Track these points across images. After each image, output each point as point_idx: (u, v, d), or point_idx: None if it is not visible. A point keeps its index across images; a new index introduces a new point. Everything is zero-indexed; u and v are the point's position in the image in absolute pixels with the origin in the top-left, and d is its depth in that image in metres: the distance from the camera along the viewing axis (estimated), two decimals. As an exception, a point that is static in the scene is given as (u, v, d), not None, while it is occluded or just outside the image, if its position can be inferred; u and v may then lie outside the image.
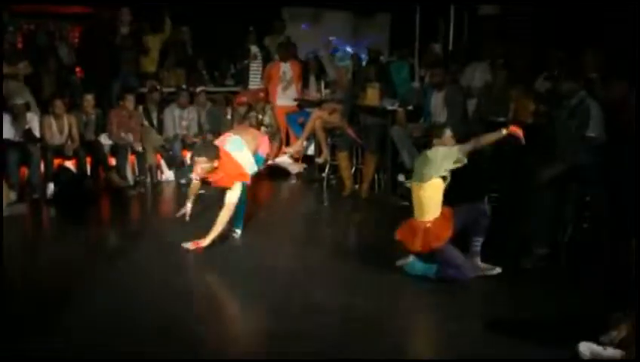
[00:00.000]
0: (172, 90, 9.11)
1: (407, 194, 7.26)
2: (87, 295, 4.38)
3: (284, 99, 9.49)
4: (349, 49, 10.89)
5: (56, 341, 3.72)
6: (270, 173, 9.07)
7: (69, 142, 7.51)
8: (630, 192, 4.91)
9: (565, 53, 6.93)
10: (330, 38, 11.11)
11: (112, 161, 7.87)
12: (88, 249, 5.60)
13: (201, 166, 5.12)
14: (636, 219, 4.52)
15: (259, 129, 8.25)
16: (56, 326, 3.89)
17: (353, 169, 7.88)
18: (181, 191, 8.10)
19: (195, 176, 5.35)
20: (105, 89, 8.71)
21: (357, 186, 7.69)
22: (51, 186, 7.20)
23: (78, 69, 9.42)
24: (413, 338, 3.82)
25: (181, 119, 8.64)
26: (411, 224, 4.79)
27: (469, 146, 4.79)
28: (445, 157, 4.72)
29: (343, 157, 7.78)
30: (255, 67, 9.87)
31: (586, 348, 3.44)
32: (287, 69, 9.46)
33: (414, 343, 3.77)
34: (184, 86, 8.99)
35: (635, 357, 3.25)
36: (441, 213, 4.72)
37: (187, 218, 5.48)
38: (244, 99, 9.31)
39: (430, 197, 4.71)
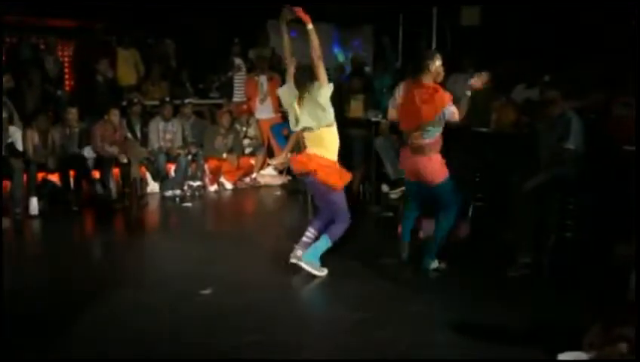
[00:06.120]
0: (156, 102, 9.08)
1: (391, 204, 7.35)
2: (70, 309, 4.35)
3: (263, 111, 9.50)
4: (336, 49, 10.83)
5: (36, 354, 3.70)
6: (254, 185, 9.08)
7: (52, 156, 7.47)
8: (615, 201, 4.94)
9: (548, 63, 7.00)
10: None
11: (96, 174, 7.84)
12: (72, 263, 5.56)
13: None
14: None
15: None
16: (37, 339, 3.86)
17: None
18: (166, 203, 8.13)
19: None
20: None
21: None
22: (34, 200, 7.16)
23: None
24: (400, 348, 3.84)
25: (165, 132, 8.64)
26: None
27: None
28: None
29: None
30: (239, 79, 9.89)
31: (566, 356, 3.48)
32: (264, 81, 9.48)
33: (402, 353, 3.79)
34: (168, 98, 8.95)
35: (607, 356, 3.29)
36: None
37: None
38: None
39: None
